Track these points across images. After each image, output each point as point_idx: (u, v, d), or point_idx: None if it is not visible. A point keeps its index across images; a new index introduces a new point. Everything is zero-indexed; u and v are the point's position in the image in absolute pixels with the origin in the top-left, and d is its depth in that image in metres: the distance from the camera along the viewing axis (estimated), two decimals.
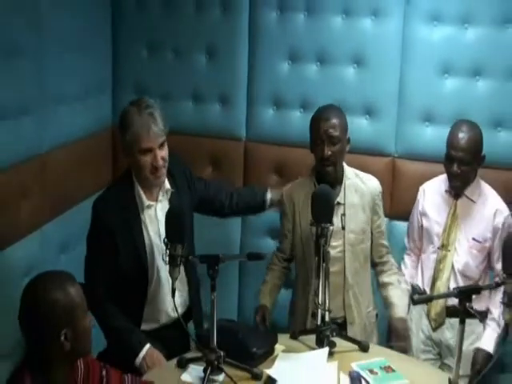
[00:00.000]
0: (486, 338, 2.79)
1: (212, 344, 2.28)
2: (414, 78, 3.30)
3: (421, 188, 3.01)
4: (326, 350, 2.42)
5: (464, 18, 3.19)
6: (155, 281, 2.61)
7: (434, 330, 2.90)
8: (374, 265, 2.89)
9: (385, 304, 2.85)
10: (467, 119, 2.87)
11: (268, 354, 2.47)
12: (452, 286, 2.80)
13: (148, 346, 2.51)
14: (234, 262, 3.51)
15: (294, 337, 2.60)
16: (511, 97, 3.19)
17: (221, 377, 2.28)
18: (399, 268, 2.95)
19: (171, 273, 2.32)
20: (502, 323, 2.64)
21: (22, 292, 1.82)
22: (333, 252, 2.65)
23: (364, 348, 2.52)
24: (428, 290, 2.90)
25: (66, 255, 3.18)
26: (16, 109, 2.75)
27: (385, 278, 2.86)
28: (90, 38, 3.37)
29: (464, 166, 2.75)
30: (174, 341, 2.63)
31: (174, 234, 2.33)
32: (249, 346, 2.42)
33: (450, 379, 2.20)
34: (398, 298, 2.81)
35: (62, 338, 1.79)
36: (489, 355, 2.74)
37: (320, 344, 2.44)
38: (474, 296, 2.19)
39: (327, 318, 2.44)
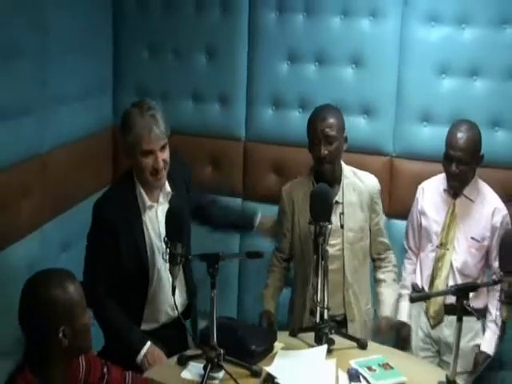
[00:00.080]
0: (487, 341, 2.81)
1: (212, 342, 2.29)
2: (412, 77, 3.32)
3: (420, 187, 3.01)
4: (325, 347, 2.42)
5: (461, 18, 3.21)
6: (156, 281, 2.61)
7: (433, 327, 2.91)
8: (372, 260, 2.91)
9: (376, 300, 2.87)
10: (466, 119, 2.88)
11: (267, 352, 2.47)
12: (450, 284, 2.81)
13: (149, 343, 2.52)
14: (233, 262, 3.53)
15: (293, 334, 2.61)
16: (508, 96, 3.21)
17: (220, 374, 2.29)
18: (397, 266, 2.95)
19: (172, 271, 2.31)
20: (500, 321, 2.67)
21: (22, 289, 1.83)
22: (332, 250, 2.65)
23: (362, 345, 2.53)
24: (427, 289, 2.90)
25: (67, 255, 3.19)
26: (17, 109, 2.76)
27: (380, 275, 2.88)
28: (90, 39, 3.38)
29: (462, 165, 2.76)
30: (174, 340, 2.64)
31: (174, 232, 2.33)
32: (248, 343, 2.42)
33: (447, 376, 2.21)
34: (387, 297, 2.83)
35: (60, 334, 1.79)
36: (490, 357, 2.75)
37: (319, 341, 2.45)
38: (471, 294, 2.20)
39: (326, 316, 2.45)
